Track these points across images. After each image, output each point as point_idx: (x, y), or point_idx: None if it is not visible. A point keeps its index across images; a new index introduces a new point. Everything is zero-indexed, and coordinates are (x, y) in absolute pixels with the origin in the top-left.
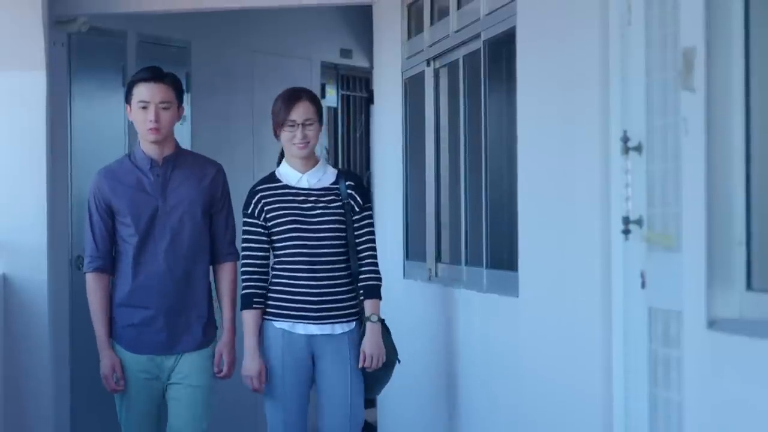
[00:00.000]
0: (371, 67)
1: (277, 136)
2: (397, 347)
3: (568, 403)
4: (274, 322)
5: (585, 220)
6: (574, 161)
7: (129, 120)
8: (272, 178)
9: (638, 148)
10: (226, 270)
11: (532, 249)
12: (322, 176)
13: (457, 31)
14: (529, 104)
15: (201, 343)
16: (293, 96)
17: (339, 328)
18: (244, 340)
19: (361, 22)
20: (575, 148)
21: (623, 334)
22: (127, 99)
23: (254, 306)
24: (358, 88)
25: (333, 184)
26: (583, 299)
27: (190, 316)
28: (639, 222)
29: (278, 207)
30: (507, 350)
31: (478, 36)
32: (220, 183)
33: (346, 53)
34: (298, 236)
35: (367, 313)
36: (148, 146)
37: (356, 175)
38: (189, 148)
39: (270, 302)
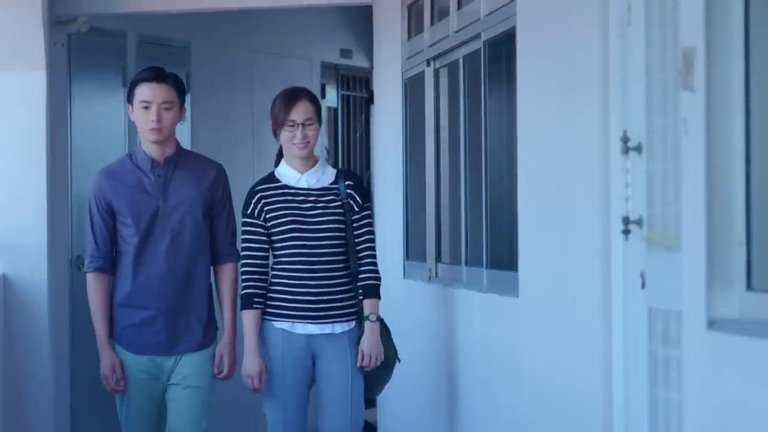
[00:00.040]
0: (371, 67)
1: (276, 136)
2: (397, 347)
3: (568, 403)
4: (273, 322)
5: (585, 220)
6: (574, 161)
7: (129, 120)
8: (271, 178)
9: (638, 148)
10: (226, 271)
11: (532, 249)
12: (322, 176)
13: (457, 32)
14: (529, 104)
15: (201, 344)
16: (293, 96)
17: (339, 328)
18: (244, 339)
19: (361, 22)
20: (575, 148)
21: (623, 334)
22: (129, 98)
23: (254, 306)
24: (358, 88)
25: (332, 183)
26: (583, 299)
27: (191, 317)
28: (639, 222)
29: (278, 207)
30: (507, 350)
31: (478, 36)
32: (222, 184)
33: (346, 53)
34: (298, 236)
35: (366, 312)
36: (149, 146)
37: (355, 174)
38: (189, 148)
39: (270, 302)
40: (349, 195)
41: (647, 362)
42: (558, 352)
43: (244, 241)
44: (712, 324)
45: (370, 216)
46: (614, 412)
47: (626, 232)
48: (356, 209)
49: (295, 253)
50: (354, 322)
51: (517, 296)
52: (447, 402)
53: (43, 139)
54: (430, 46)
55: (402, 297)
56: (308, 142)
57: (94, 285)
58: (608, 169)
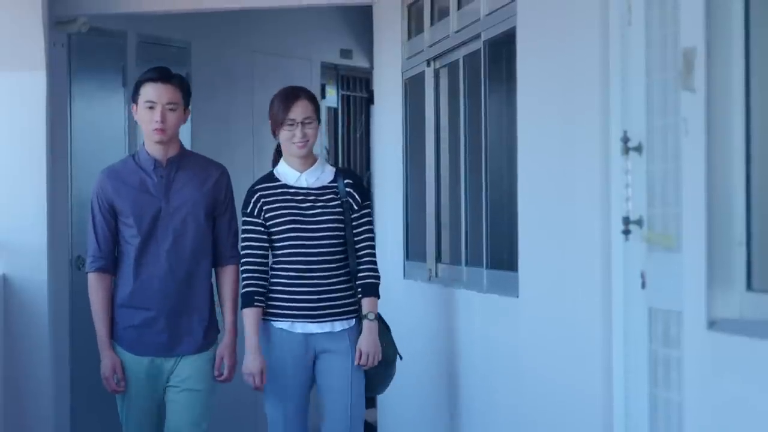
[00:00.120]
0: (371, 67)
1: (275, 135)
2: (398, 347)
3: (568, 403)
4: (273, 322)
5: (585, 221)
6: (574, 161)
7: (129, 120)
8: (271, 177)
9: (638, 149)
10: (228, 273)
11: (532, 249)
12: (321, 175)
13: (457, 32)
14: (529, 104)
15: (201, 346)
16: (291, 95)
17: (339, 326)
18: (245, 338)
19: (361, 22)
20: (575, 148)
21: (623, 334)
22: (134, 98)
23: (255, 304)
24: (358, 89)
25: (331, 182)
26: (583, 299)
27: (192, 318)
28: (639, 222)
29: (277, 206)
30: (507, 350)
31: (478, 36)
32: (224, 185)
33: (346, 53)
34: (297, 235)
35: (365, 311)
36: (152, 147)
37: (355, 173)
38: (189, 149)
39: (269, 302)
40: (349, 194)
41: (647, 362)
42: (558, 352)
43: (244, 240)
44: (712, 324)
45: (370, 215)
46: (614, 412)
47: (626, 232)
48: (355, 208)
49: (294, 252)
50: (354, 320)
51: (517, 296)
52: (447, 402)
53: (43, 139)
54: (430, 46)
55: (402, 297)
56: (307, 140)
57: (95, 285)
58: (608, 169)
